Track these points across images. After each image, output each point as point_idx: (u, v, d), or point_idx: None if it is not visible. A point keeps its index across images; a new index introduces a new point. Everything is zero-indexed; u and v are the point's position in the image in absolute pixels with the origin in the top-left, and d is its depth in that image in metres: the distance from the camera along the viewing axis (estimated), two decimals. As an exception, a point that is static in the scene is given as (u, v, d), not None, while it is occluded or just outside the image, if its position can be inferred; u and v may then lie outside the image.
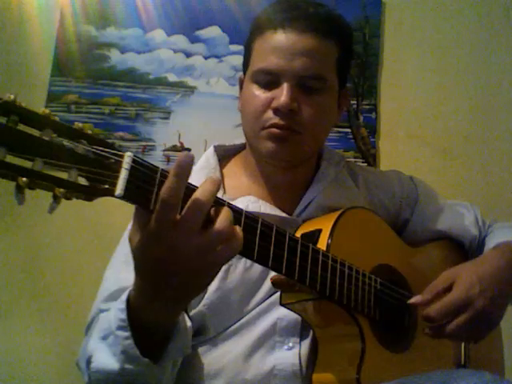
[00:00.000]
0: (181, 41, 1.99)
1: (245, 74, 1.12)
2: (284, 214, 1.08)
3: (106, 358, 0.82)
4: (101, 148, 0.64)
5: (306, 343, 1.01)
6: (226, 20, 2.00)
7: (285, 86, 1.02)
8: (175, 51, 1.99)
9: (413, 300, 1.05)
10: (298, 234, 1.01)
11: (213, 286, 1.01)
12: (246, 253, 0.81)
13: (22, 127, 0.59)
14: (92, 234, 1.77)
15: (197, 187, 0.71)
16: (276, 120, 1.03)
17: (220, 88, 1.98)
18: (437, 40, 2.07)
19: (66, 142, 0.62)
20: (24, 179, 0.58)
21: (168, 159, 1.91)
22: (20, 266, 1.80)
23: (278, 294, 0.99)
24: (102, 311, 0.95)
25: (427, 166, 1.95)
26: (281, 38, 1.03)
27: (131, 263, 0.74)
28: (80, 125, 0.64)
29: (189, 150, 1.92)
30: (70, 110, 1.91)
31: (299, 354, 1.01)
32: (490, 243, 1.21)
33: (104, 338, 0.83)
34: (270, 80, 1.04)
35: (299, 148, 1.06)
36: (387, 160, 1.95)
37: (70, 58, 1.95)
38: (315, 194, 1.12)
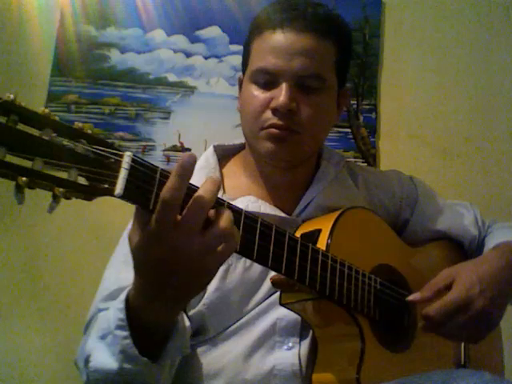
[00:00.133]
0: (181, 41, 1.99)
1: (244, 74, 1.12)
2: (284, 214, 1.08)
3: (104, 358, 0.82)
4: (100, 148, 0.64)
5: (306, 343, 1.01)
6: (225, 20, 2.00)
7: (283, 86, 1.02)
8: (175, 51, 1.99)
9: (411, 297, 1.05)
10: (298, 234, 1.01)
11: (212, 286, 1.01)
12: (246, 252, 0.81)
13: (21, 127, 0.59)
14: (92, 233, 1.77)
15: (197, 187, 0.71)
16: (275, 120, 1.03)
17: (220, 88, 1.98)
18: (437, 40, 2.07)
19: (65, 142, 0.62)
20: (24, 179, 0.58)
21: (168, 159, 1.91)
22: (20, 265, 1.80)
23: (278, 294, 0.99)
24: (100, 310, 0.95)
25: (427, 166, 1.95)
26: (279, 37, 1.03)
27: (131, 263, 0.74)
28: (80, 124, 0.64)
29: (189, 150, 1.92)
30: (70, 110, 1.91)
31: (299, 353, 1.01)
32: (490, 243, 1.21)
33: (103, 337, 0.83)
34: (268, 80, 1.04)
35: (298, 148, 1.06)
36: (387, 160, 1.95)
37: (70, 57, 1.95)
38: (315, 194, 1.12)
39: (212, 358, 1.02)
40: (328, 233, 0.99)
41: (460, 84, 2.03)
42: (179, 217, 0.68)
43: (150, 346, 0.80)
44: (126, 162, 0.66)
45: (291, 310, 0.99)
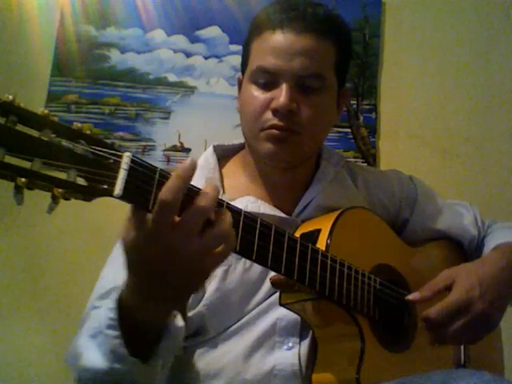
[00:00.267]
0: (181, 41, 1.99)
1: (243, 74, 1.12)
2: (283, 215, 1.08)
3: (94, 357, 0.81)
4: (99, 148, 0.64)
5: (306, 343, 1.01)
6: (225, 20, 2.00)
7: (284, 87, 1.02)
8: (175, 51, 1.99)
9: (411, 297, 1.05)
10: (298, 234, 1.01)
11: (212, 287, 1.01)
12: (245, 253, 0.81)
13: (20, 127, 0.59)
14: (92, 234, 1.78)
15: (198, 189, 0.70)
16: (275, 121, 1.03)
17: (220, 88, 1.98)
18: (437, 40, 2.07)
19: (64, 143, 0.62)
20: (23, 179, 0.58)
21: (168, 159, 1.91)
22: (20, 266, 1.80)
23: (278, 294, 0.99)
24: (94, 308, 0.95)
25: (427, 166, 1.95)
26: (279, 38, 1.03)
27: None
28: (79, 125, 0.64)
29: (189, 150, 1.92)
30: (69, 110, 1.91)
31: (299, 354, 1.01)
32: (490, 244, 1.21)
33: (93, 336, 0.83)
34: (268, 80, 1.04)
35: (298, 148, 1.06)
36: (387, 160, 1.95)
37: (70, 57, 1.95)
38: (314, 194, 1.12)
39: (212, 358, 1.02)
40: (328, 233, 0.99)
41: (460, 84, 2.03)
42: (177, 218, 0.68)
43: (142, 346, 0.79)
44: (125, 163, 0.66)
45: (291, 310, 0.99)
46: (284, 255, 0.87)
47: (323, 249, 0.96)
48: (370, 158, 1.95)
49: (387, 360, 1.03)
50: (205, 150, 1.20)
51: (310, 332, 1.01)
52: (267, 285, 1.02)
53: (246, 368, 1.00)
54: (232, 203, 0.79)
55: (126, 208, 0.73)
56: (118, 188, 0.65)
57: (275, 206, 1.09)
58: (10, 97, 0.58)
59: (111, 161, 0.65)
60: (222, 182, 1.12)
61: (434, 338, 1.03)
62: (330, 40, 1.06)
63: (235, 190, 1.11)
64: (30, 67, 1.94)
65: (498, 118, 2.01)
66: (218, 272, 1.02)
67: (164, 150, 1.91)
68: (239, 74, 1.15)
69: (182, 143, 1.92)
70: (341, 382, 0.96)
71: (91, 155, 0.64)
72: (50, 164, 0.60)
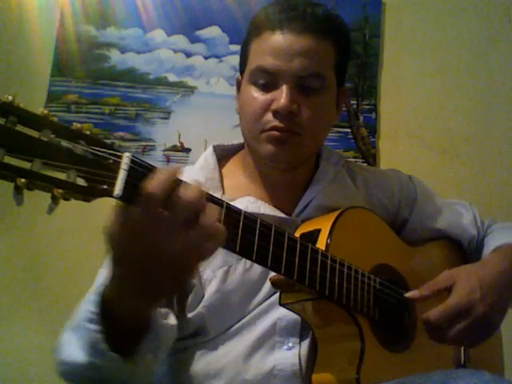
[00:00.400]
0: (181, 41, 1.99)
1: (242, 75, 1.12)
2: (283, 215, 1.08)
3: (74, 350, 0.80)
4: (99, 148, 0.64)
5: (306, 343, 1.01)
6: (225, 20, 2.00)
7: (284, 88, 1.02)
8: (175, 51, 1.99)
9: (409, 294, 1.05)
10: (297, 234, 1.01)
11: (212, 288, 1.01)
12: (245, 253, 0.81)
13: (20, 128, 0.59)
14: (92, 233, 1.77)
15: (183, 182, 0.69)
16: (276, 123, 1.02)
17: (220, 88, 1.98)
18: (437, 40, 2.07)
19: (64, 143, 0.62)
20: (22, 180, 0.58)
21: (168, 159, 1.91)
22: (20, 266, 1.80)
23: (278, 294, 0.99)
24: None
25: (427, 166, 1.95)
26: (279, 38, 1.03)
27: None
28: (78, 125, 0.64)
29: (189, 150, 1.92)
30: (69, 110, 1.92)
31: (299, 354, 1.01)
32: (490, 245, 1.21)
33: (75, 329, 0.81)
34: (268, 81, 1.04)
35: (299, 149, 1.06)
36: (387, 160, 1.95)
37: (70, 57, 1.96)
38: (314, 194, 1.12)
39: (212, 358, 1.02)
40: (327, 233, 0.99)
41: (460, 84, 2.03)
42: (164, 212, 0.67)
43: (125, 343, 0.78)
44: (125, 163, 0.66)
45: (291, 310, 0.99)
46: (284, 255, 0.87)
47: (323, 249, 0.96)
48: (370, 157, 1.95)
49: (387, 360, 1.03)
50: (205, 149, 1.20)
51: (310, 332, 1.01)
52: (268, 285, 1.02)
53: (246, 368, 1.00)
54: (232, 203, 0.79)
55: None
56: (118, 188, 0.65)
57: (275, 206, 1.09)
58: (10, 97, 0.58)
59: (111, 161, 0.65)
60: (221, 182, 1.12)
61: (434, 340, 1.02)
62: (329, 40, 1.06)
63: (235, 191, 1.10)
64: (30, 67, 1.94)
65: (498, 118, 2.01)
66: (219, 273, 1.02)
67: (164, 150, 1.92)
68: (238, 74, 1.15)
69: (181, 143, 1.92)
70: (341, 381, 0.96)
71: (91, 155, 0.64)
72: (49, 164, 0.60)
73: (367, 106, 2.01)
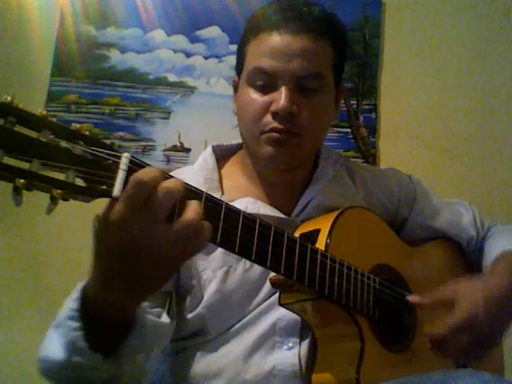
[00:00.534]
0: (181, 41, 2.00)
1: (239, 76, 1.11)
2: (282, 215, 1.08)
3: (53, 347, 0.78)
4: (98, 149, 0.64)
5: (306, 343, 1.01)
6: (225, 20, 2.00)
7: (283, 89, 1.01)
8: (175, 51, 1.99)
9: (411, 298, 1.05)
10: (297, 234, 1.01)
11: (212, 288, 1.01)
12: (245, 253, 0.81)
13: (19, 128, 0.59)
14: (92, 234, 1.77)
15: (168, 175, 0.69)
16: (275, 124, 1.02)
17: (220, 88, 1.98)
18: (437, 40, 2.07)
19: (63, 143, 0.62)
20: (21, 181, 0.58)
21: (168, 159, 1.91)
22: (20, 266, 1.80)
23: (278, 294, 0.99)
24: None
25: (427, 166, 1.95)
26: (276, 39, 1.02)
27: None
28: (77, 125, 0.64)
29: (189, 150, 1.92)
30: (69, 110, 1.92)
31: (299, 354, 1.00)
32: (492, 251, 1.19)
33: (56, 326, 0.80)
34: (266, 83, 1.03)
35: (299, 150, 1.06)
36: (387, 160, 1.95)
37: (70, 57, 1.96)
38: (313, 194, 1.11)
39: (212, 358, 1.02)
40: (327, 233, 0.99)
41: (460, 84, 2.03)
42: (144, 206, 0.66)
43: (108, 341, 0.76)
44: (124, 163, 0.66)
45: (290, 310, 0.99)
46: (283, 255, 0.87)
47: (323, 249, 0.95)
48: (370, 157, 1.95)
49: (387, 360, 1.03)
50: (205, 149, 1.20)
51: (310, 332, 1.01)
52: (267, 285, 1.01)
53: (246, 368, 1.00)
54: (232, 204, 0.79)
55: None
56: (117, 189, 0.65)
57: (274, 206, 1.09)
58: (9, 98, 0.58)
59: (110, 161, 0.65)
60: (221, 182, 1.12)
61: (438, 355, 1.02)
62: (327, 40, 1.06)
63: (234, 191, 1.10)
64: (30, 67, 1.94)
65: (498, 118, 2.01)
66: (219, 273, 1.02)
67: (164, 150, 1.92)
68: (235, 76, 1.15)
69: (181, 143, 1.92)
70: (340, 381, 0.96)
71: (90, 156, 0.64)
72: (48, 165, 0.60)
73: (367, 106, 2.01)
